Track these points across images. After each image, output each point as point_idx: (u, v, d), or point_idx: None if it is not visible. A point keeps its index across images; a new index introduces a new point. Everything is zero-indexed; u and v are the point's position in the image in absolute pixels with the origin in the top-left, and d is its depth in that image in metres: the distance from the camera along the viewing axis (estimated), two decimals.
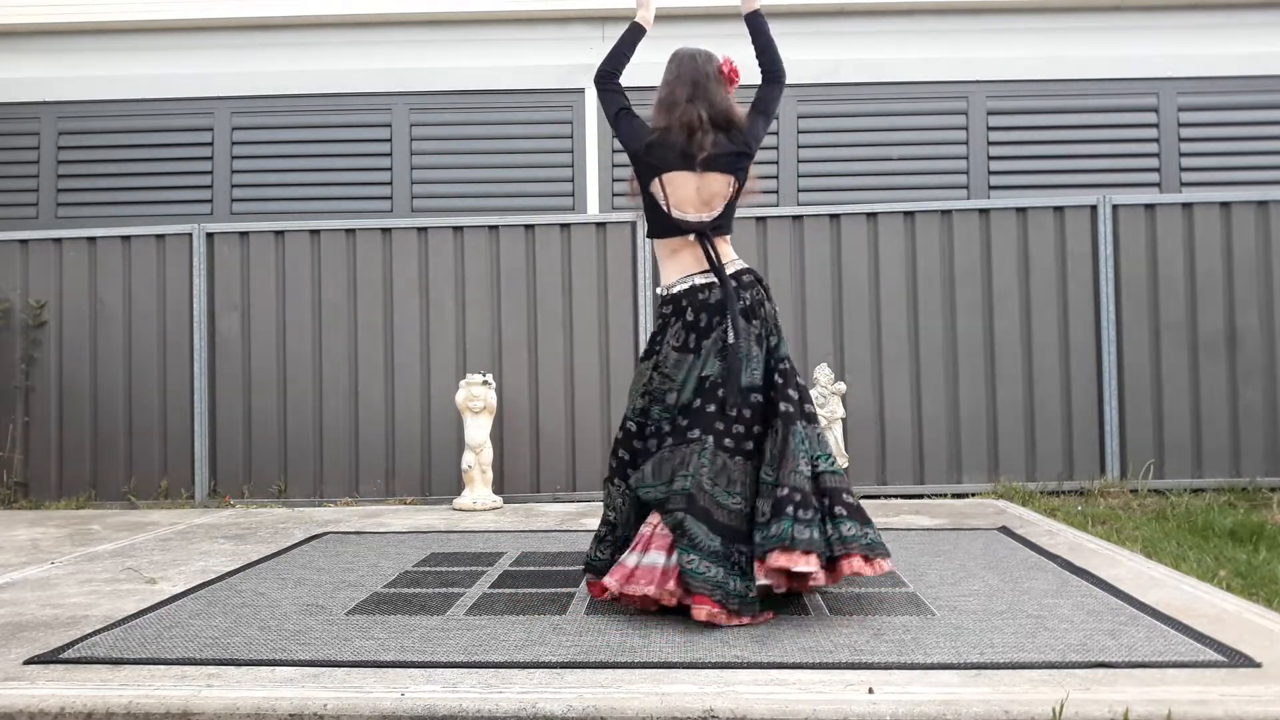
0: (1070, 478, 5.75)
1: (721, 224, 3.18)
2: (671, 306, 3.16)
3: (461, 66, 7.01)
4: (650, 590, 2.86)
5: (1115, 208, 5.84)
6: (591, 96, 6.74)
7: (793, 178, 6.88)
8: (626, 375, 5.85)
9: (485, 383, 5.58)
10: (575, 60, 6.82)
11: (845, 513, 2.92)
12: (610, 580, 2.94)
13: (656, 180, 3.14)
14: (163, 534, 4.77)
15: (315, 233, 6.05)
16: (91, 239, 6.13)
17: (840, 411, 5.57)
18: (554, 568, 3.74)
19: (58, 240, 6.15)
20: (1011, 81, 6.89)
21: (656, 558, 2.91)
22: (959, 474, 5.78)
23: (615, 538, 3.13)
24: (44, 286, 6.12)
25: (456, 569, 3.74)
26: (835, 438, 5.50)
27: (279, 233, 6.06)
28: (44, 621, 3.07)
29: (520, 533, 4.63)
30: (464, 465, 5.54)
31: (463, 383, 5.62)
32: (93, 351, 6.09)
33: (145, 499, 5.96)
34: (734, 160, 3.15)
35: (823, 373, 5.59)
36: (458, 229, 6.01)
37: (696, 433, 2.98)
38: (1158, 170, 6.81)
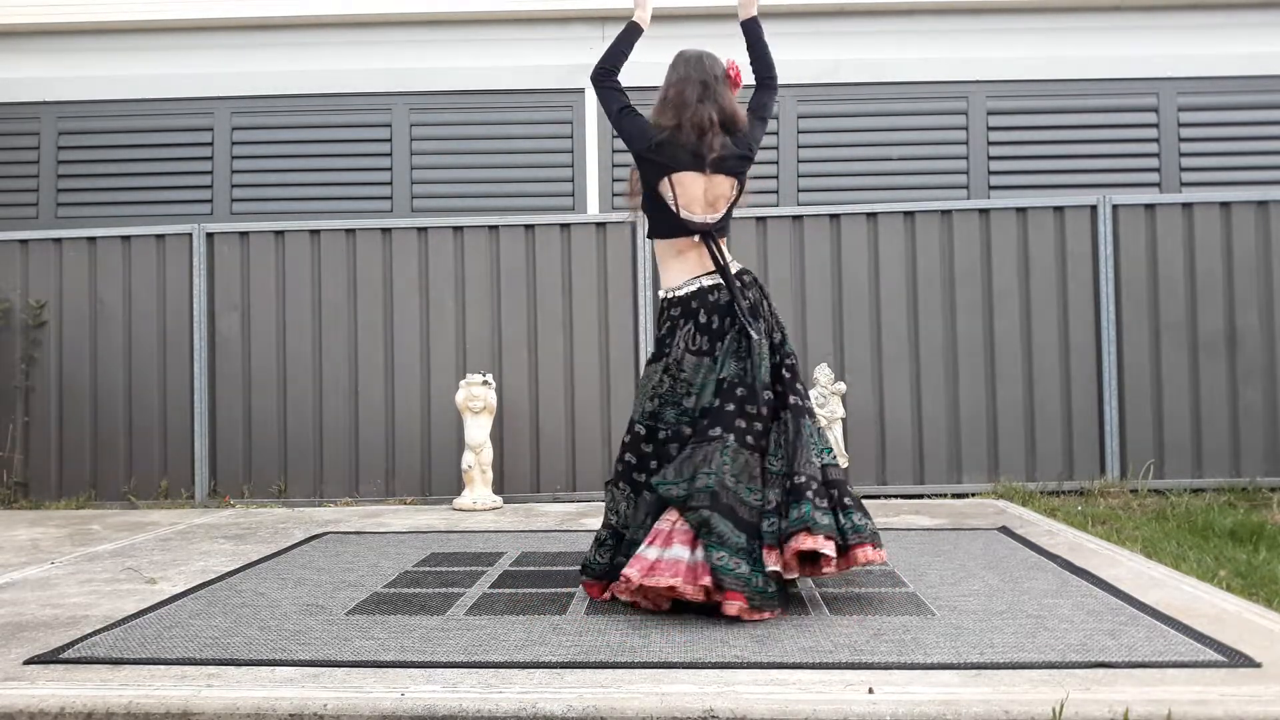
0: (1070, 478, 5.75)
1: (723, 226, 3.20)
2: (680, 308, 3.16)
3: (461, 66, 7.01)
4: (676, 582, 2.85)
5: (1115, 208, 5.84)
6: (591, 96, 6.73)
7: (793, 178, 6.88)
8: (627, 375, 5.85)
9: (485, 383, 5.58)
10: (575, 60, 6.81)
11: (851, 504, 3.04)
12: (631, 570, 2.90)
13: (666, 180, 3.13)
14: (163, 534, 4.77)
15: (315, 233, 6.06)
16: (91, 239, 6.14)
17: (840, 411, 5.57)
18: (554, 568, 3.74)
19: (58, 240, 6.15)
20: (1011, 81, 6.89)
21: (681, 552, 2.90)
22: (959, 474, 5.78)
23: (616, 542, 3.13)
24: (44, 286, 6.12)
25: (456, 569, 3.74)
26: (835, 438, 5.49)
27: (279, 233, 6.07)
28: (44, 621, 3.07)
29: (520, 533, 4.63)
30: (464, 465, 5.54)
31: (463, 383, 5.62)
32: (93, 351, 6.09)
33: (145, 499, 5.96)
34: (739, 163, 3.17)
35: (823, 373, 5.59)
36: (458, 229, 6.01)
37: (718, 430, 2.99)
38: (1158, 170, 6.80)
